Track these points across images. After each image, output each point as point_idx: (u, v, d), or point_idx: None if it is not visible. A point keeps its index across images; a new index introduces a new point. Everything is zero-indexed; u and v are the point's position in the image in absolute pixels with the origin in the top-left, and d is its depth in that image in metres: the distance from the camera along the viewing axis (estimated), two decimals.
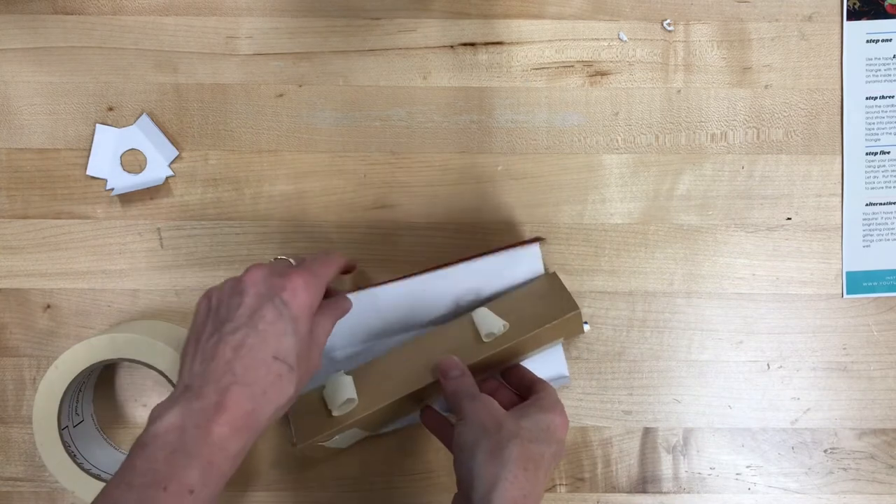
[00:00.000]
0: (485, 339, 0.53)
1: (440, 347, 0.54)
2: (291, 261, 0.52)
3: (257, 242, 0.59)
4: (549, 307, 0.54)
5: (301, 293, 0.45)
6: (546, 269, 0.58)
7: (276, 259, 0.54)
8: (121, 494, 0.40)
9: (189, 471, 0.40)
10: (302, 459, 0.59)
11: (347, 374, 0.54)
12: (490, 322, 0.54)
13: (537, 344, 0.55)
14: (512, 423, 0.48)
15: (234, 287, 0.46)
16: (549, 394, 0.52)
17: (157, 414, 0.42)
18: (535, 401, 0.51)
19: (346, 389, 0.52)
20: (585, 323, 0.55)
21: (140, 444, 0.41)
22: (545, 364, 0.57)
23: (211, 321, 0.45)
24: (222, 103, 0.58)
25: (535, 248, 0.56)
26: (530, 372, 0.55)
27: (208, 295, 0.47)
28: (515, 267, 0.57)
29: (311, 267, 0.48)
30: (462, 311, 0.57)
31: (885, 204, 0.60)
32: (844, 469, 0.60)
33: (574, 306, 0.53)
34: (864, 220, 0.59)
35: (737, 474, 0.60)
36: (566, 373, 0.58)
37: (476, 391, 0.51)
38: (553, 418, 0.50)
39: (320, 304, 0.48)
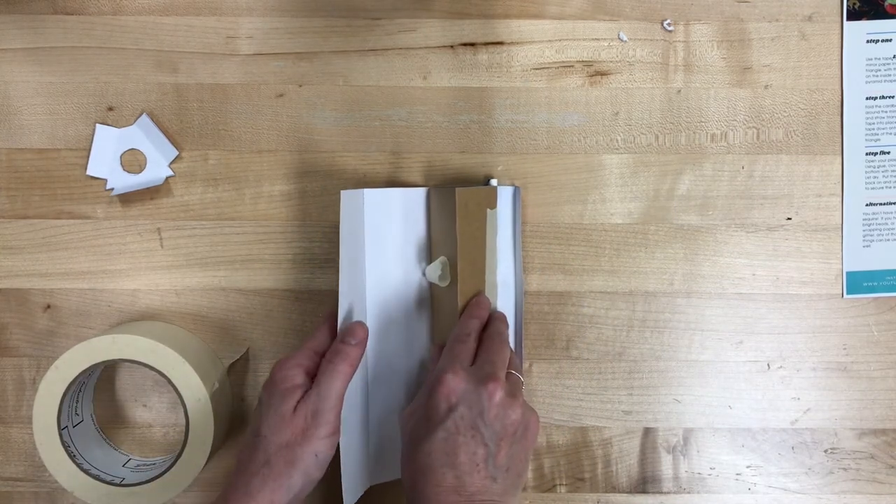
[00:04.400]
0: (441, 284, 0.54)
1: (440, 328, 0.56)
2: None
3: (257, 242, 0.59)
4: (448, 212, 0.54)
5: (274, 373, 0.51)
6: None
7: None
8: None
9: None
10: None
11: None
12: (433, 268, 0.54)
13: (477, 246, 0.54)
14: (408, 447, 0.49)
15: None
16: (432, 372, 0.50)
17: None
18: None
19: None
20: (488, 182, 0.57)
21: None
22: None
23: None
24: (222, 103, 0.58)
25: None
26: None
27: None
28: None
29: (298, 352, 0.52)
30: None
31: (885, 204, 0.60)
32: (844, 469, 0.60)
33: (452, 192, 0.53)
34: (864, 220, 0.59)
35: (737, 474, 0.60)
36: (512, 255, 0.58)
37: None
38: (425, 402, 0.48)
39: (321, 365, 0.51)
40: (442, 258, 0.54)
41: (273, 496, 0.48)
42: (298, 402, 0.49)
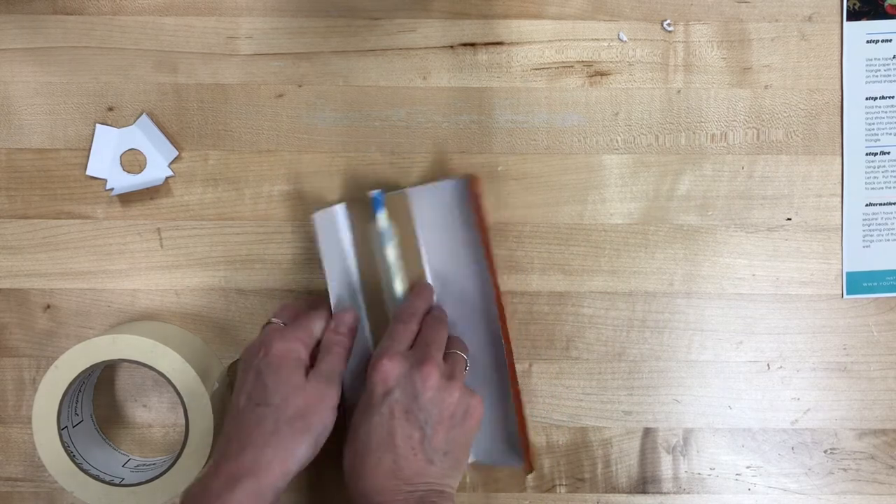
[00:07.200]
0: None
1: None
2: (279, 322, 0.53)
3: (257, 242, 0.59)
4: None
5: (274, 344, 0.50)
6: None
7: (269, 324, 0.53)
8: None
9: None
10: None
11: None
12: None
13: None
14: (349, 432, 0.50)
15: (240, 399, 0.50)
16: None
17: None
18: None
19: None
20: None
21: None
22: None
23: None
24: (222, 103, 0.58)
25: (517, 463, 0.55)
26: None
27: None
28: (504, 431, 0.55)
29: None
30: None
31: (885, 204, 0.60)
32: (844, 469, 0.60)
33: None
34: (864, 220, 0.59)
35: (737, 475, 0.60)
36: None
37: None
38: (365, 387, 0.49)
39: (322, 348, 0.52)
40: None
41: (283, 466, 0.47)
42: (307, 372, 0.50)
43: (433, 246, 0.56)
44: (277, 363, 0.50)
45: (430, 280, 0.56)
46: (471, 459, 0.56)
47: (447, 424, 0.48)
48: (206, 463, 0.54)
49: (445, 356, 0.51)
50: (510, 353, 0.55)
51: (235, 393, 0.51)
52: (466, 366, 0.53)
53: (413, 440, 0.47)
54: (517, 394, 0.55)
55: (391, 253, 0.54)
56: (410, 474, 0.47)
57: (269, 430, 0.48)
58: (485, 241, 0.54)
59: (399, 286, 0.55)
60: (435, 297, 0.56)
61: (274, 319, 0.53)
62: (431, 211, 0.55)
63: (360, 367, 0.54)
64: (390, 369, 0.48)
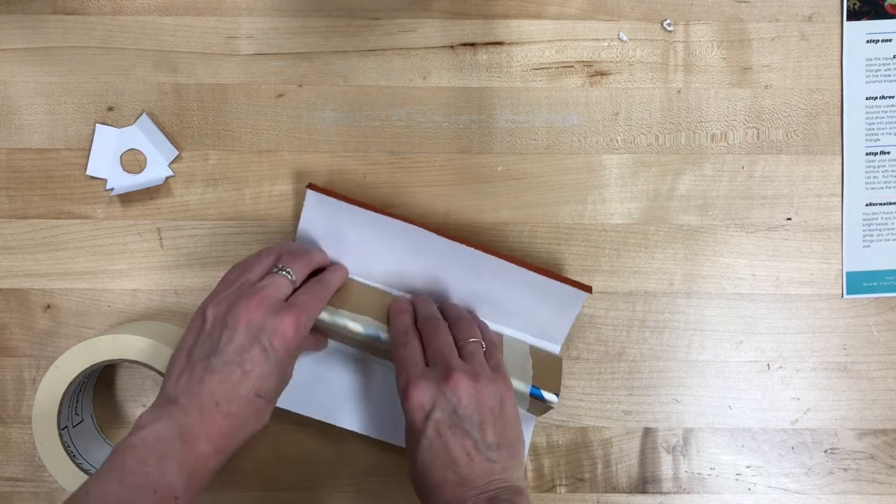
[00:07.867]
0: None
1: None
2: (290, 274, 0.50)
3: (257, 242, 0.59)
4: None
5: (291, 339, 0.48)
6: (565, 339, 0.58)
7: (277, 271, 0.50)
8: (113, 489, 0.42)
9: (177, 479, 0.43)
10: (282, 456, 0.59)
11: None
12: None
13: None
14: (411, 464, 0.50)
15: (228, 318, 0.48)
16: None
17: (145, 421, 0.45)
18: None
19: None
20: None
21: (129, 446, 0.44)
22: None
23: (201, 345, 0.48)
24: (222, 103, 0.58)
25: (581, 296, 0.55)
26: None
27: (203, 312, 0.49)
28: (551, 301, 0.56)
29: (306, 303, 0.50)
30: (463, 299, 0.57)
31: (885, 204, 0.60)
32: (844, 469, 0.60)
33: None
34: (864, 220, 0.59)
35: (737, 474, 0.60)
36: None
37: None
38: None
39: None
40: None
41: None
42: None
43: (367, 262, 0.56)
44: (287, 355, 0.48)
45: (396, 292, 0.57)
46: (559, 347, 0.58)
47: (490, 420, 0.49)
48: None
49: (461, 352, 0.51)
50: (481, 246, 0.54)
51: (221, 344, 0.47)
52: (483, 346, 0.52)
53: (467, 447, 0.48)
54: (522, 263, 0.54)
55: (325, 316, 0.53)
56: (474, 478, 0.47)
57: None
58: (372, 208, 0.54)
59: (356, 326, 0.53)
60: (425, 296, 0.56)
61: (286, 272, 0.50)
62: (330, 241, 0.56)
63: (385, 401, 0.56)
64: (418, 395, 0.48)
